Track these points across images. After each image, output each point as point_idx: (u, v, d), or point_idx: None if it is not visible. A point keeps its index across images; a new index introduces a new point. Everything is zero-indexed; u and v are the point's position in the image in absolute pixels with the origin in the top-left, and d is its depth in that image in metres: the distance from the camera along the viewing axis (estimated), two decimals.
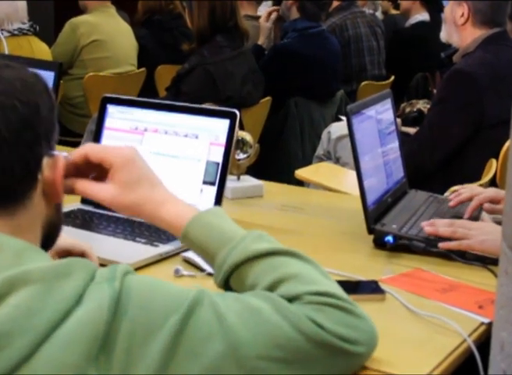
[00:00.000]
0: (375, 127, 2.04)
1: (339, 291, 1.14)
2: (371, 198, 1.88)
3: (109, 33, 4.77)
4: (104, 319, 0.96)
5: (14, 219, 1.08)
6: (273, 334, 1.05)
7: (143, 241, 1.77)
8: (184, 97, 3.49)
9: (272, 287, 1.14)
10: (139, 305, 1.00)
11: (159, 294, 1.03)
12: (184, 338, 1.00)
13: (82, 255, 1.49)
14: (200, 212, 1.26)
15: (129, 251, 1.71)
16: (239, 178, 2.27)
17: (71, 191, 1.26)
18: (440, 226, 1.79)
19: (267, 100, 4.10)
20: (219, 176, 1.85)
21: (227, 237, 1.22)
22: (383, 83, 5.00)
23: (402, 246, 1.78)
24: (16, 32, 4.19)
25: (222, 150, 1.86)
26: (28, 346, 0.94)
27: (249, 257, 1.18)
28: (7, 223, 1.07)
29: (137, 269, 1.60)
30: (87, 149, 1.26)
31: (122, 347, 0.97)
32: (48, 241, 1.17)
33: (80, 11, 5.02)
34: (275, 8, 4.65)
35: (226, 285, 1.21)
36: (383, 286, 1.55)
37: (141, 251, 1.70)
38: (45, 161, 1.12)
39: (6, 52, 3.20)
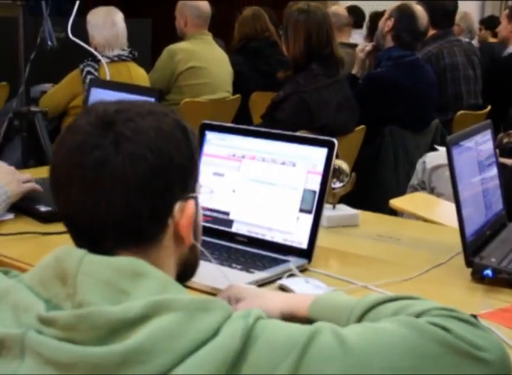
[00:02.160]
0: (475, 158, 2.01)
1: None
2: (469, 229, 1.86)
3: (206, 60, 4.84)
4: (235, 347, 1.00)
5: (146, 258, 1.12)
6: (398, 345, 1.05)
7: (239, 267, 1.78)
8: (279, 124, 3.51)
9: (395, 314, 1.17)
10: (267, 338, 1.03)
11: (286, 329, 1.07)
12: (306, 362, 1.02)
13: None
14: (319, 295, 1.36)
15: (225, 276, 1.72)
16: (334, 207, 2.26)
17: None
18: None
19: (361, 128, 4.09)
20: (316, 205, 1.85)
21: (349, 304, 1.28)
22: (480, 112, 4.93)
23: (501, 280, 1.75)
24: (115, 58, 4.31)
25: (319, 178, 1.86)
26: (165, 365, 0.99)
27: (373, 304, 1.22)
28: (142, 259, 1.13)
29: None
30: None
31: (247, 374, 1.01)
32: (182, 278, 1.21)
33: (177, 37, 5.11)
34: (373, 44, 4.63)
35: None
36: (482, 321, 1.52)
37: (237, 277, 1.71)
38: (177, 206, 1.16)
39: (108, 78, 3.27)
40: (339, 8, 5.94)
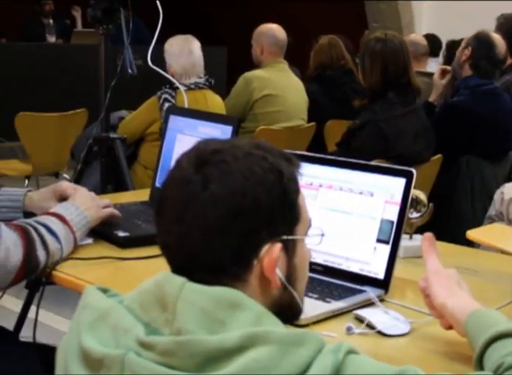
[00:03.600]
0: None
1: None
2: None
3: (281, 88, 4.86)
4: None
5: None
6: None
7: (315, 296, 1.77)
8: (354, 152, 3.50)
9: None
10: (355, 374, 1.05)
11: (375, 366, 1.09)
12: None
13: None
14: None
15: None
16: (411, 237, 2.24)
17: None
18: None
19: (438, 158, 4.05)
20: (393, 235, 1.84)
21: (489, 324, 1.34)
22: None
23: None
24: (192, 86, 4.35)
25: (397, 209, 1.85)
26: None
27: (498, 335, 1.28)
28: None
29: (309, 325, 1.61)
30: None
31: None
32: (284, 319, 1.21)
33: (252, 65, 5.15)
34: (447, 67, 4.60)
35: (480, 365, 1.30)
36: None
37: (314, 306, 1.70)
38: (265, 248, 1.18)
39: (185, 105, 3.31)
40: (417, 37, 5.89)
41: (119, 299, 1.21)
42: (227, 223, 1.13)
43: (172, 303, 1.11)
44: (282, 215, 1.20)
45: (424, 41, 5.85)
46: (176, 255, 1.18)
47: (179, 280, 1.14)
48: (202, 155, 1.18)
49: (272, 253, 1.18)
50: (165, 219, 1.18)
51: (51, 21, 8.93)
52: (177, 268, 1.18)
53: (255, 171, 1.16)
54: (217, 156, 1.17)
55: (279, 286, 1.22)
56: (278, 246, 1.19)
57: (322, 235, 1.37)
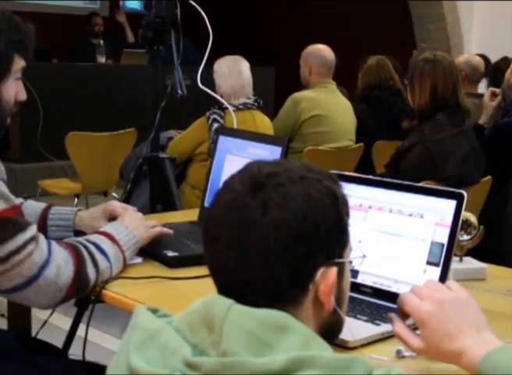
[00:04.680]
0: None
1: None
2: None
3: (329, 109, 4.86)
4: None
5: None
6: None
7: (364, 318, 1.76)
8: (403, 174, 3.48)
9: None
10: None
11: None
12: None
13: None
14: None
15: (351, 328, 1.70)
16: (461, 259, 2.22)
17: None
18: None
19: (487, 179, 4.01)
20: (444, 258, 1.82)
21: None
22: None
23: None
24: (241, 106, 4.37)
25: (447, 231, 1.83)
26: None
27: None
28: None
29: (358, 347, 1.60)
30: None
31: None
32: (326, 338, 1.21)
33: (299, 85, 5.16)
34: (497, 90, 4.56)
35: None
36: None
37: (363, 328, 1.69)
38: (320, 271, 1.18)
39: (235, 126, 3.33)
40: (476, 60, 5.58)
41: (168, 320, 1.21)
42: (289, 247, 1.13)
43: (219, 325, 1.11)
44: (337, 238, 1.20)
45: (482, 66, 5.58)
46: (229, 278, 1.17)
47: (227, 301, 1.13)
48: (257, 179, 1.17)
49: (328, 277, 1.18)
50: (220, 243, 1.17)
51: (101, 41, 9.03)
52: (227, 290, 1.17)
53: (312, 195, 1.16)
54: (273, 180, 1.16)
55: (331, 309, 1.22)
56: (334, 270, 1.19)
57: (364, 257, 1.38)
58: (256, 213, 1.14)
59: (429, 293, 1.38)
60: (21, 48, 2.01)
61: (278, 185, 1.16)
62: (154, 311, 1.24)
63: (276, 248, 1.13)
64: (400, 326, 1.41)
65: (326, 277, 1.18)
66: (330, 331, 1.27)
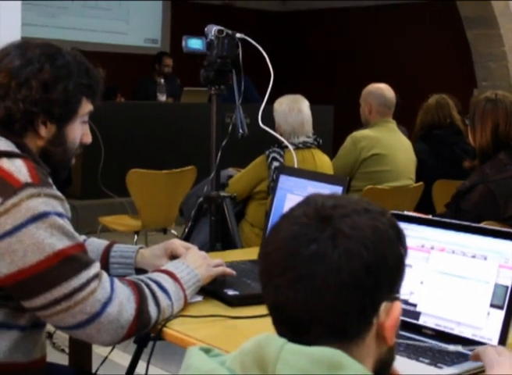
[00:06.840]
0: None
1: None
2: None
3: (389, 148, 4.84)
4: None
5: (347, 353, 1.12)
6: None
7: (426, 361, 1.74)
8: (464, 214, 3.44)
9: None
10: None
11: None
12: None
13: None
14: None
15: (413, 370, 1.69)
16: None
17: None
18: None
19: None
20: (508, 300, 1.79)
21: None
22: None
23: None
24: (300, 145, 4.38)
25: (511, 273, 1.81)
26: None
27: None
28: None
29: None
30: None
31: None
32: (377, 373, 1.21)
33: (358, 124, 5.16)
34: None
35: None
36: None
37: (425, 371, 1.68)
38: (383, 306, 1.17)
39: (295, 165, 3.33)
40: None
41: (221, 360, 1.20)
42: (359, 280, 1.12)
43: (272, 365, 1.10)
44: (399, 272, 1.20)
45: None
46: (294, 313, 1.15)
47: (280, 341, 1.12)
48: (324, 210, 1.16)
49: (393, 311, 1.17)
50: (287, 277, 1.14)
51: (162, 80, 9.13)
52: (289, 327, 1.16)
53: (379, 226, 1.16)
54: (340, 211, 1.16)
55: (392, 344, 1.21)
56: (398, 304, 1.18)
57: (411, 294, 1.38)
58: (326, 245, 1.12)
59: (503, 350, 1.49)
60: (90, 91, 2.03)
61: (345, 216, 1.15)
62: (207, 351, 1.23)
63: (349, 280, 1.11)
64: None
65: (391, 312, 1.17)
66: (382, 368, 1.24)
